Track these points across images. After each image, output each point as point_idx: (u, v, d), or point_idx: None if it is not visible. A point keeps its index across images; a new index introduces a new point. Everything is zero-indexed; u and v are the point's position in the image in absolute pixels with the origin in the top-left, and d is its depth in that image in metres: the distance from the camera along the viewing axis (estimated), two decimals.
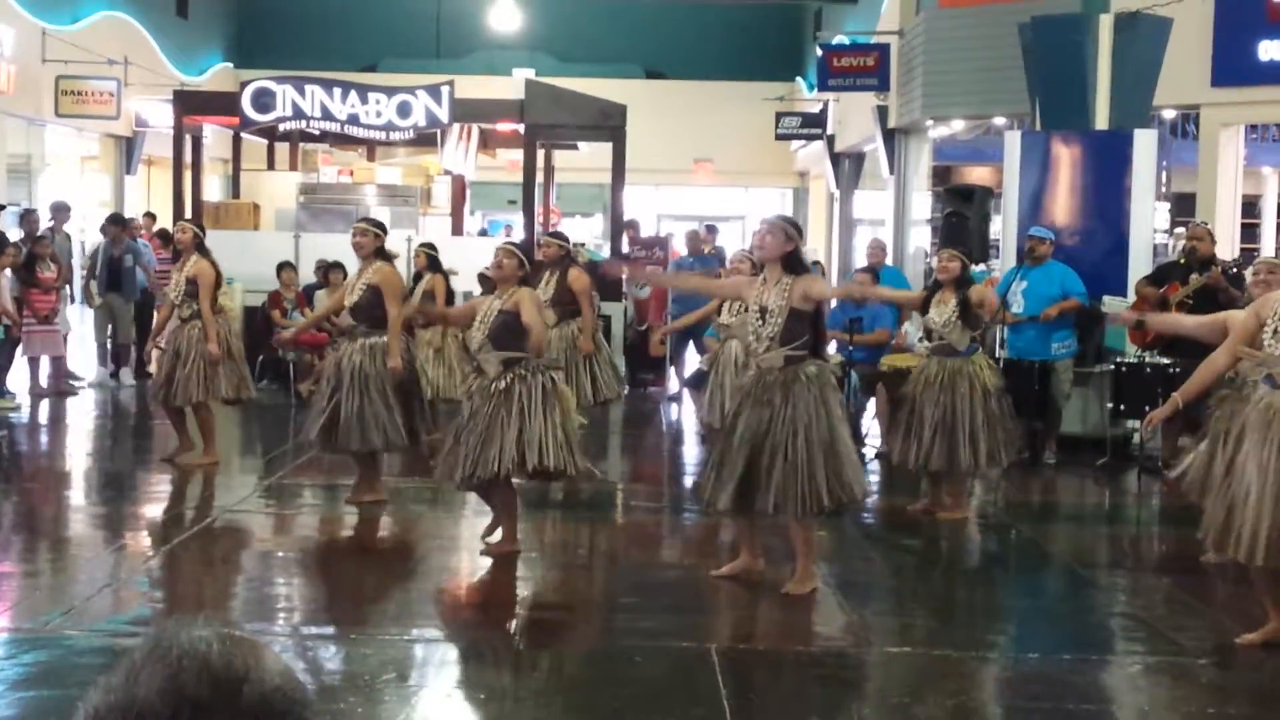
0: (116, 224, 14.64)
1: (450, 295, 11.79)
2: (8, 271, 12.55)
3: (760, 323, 6.57)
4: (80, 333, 15.26)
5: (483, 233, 19.78)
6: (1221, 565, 6.69)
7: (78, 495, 9.64)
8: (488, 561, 7.37)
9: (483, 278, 11.35)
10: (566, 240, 10.94)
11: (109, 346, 14.44)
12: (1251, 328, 5.89)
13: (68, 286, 14.17)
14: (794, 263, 6.62)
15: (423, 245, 11.90)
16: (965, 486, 8.82)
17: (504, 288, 7.39)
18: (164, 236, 14.97)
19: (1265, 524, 5.57)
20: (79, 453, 11.44)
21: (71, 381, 13.76)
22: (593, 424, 12.30)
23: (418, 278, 11.49)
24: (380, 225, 8.72)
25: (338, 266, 14.07)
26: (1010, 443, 8.53)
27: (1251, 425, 5.73)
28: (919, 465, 8.45)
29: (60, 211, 14.90)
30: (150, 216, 16.79)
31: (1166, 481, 8.62)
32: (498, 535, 7.46)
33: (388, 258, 8.54)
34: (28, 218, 14.17)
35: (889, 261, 14.40)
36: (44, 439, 12.07)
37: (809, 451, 6.41)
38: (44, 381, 13.36)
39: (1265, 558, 5.62)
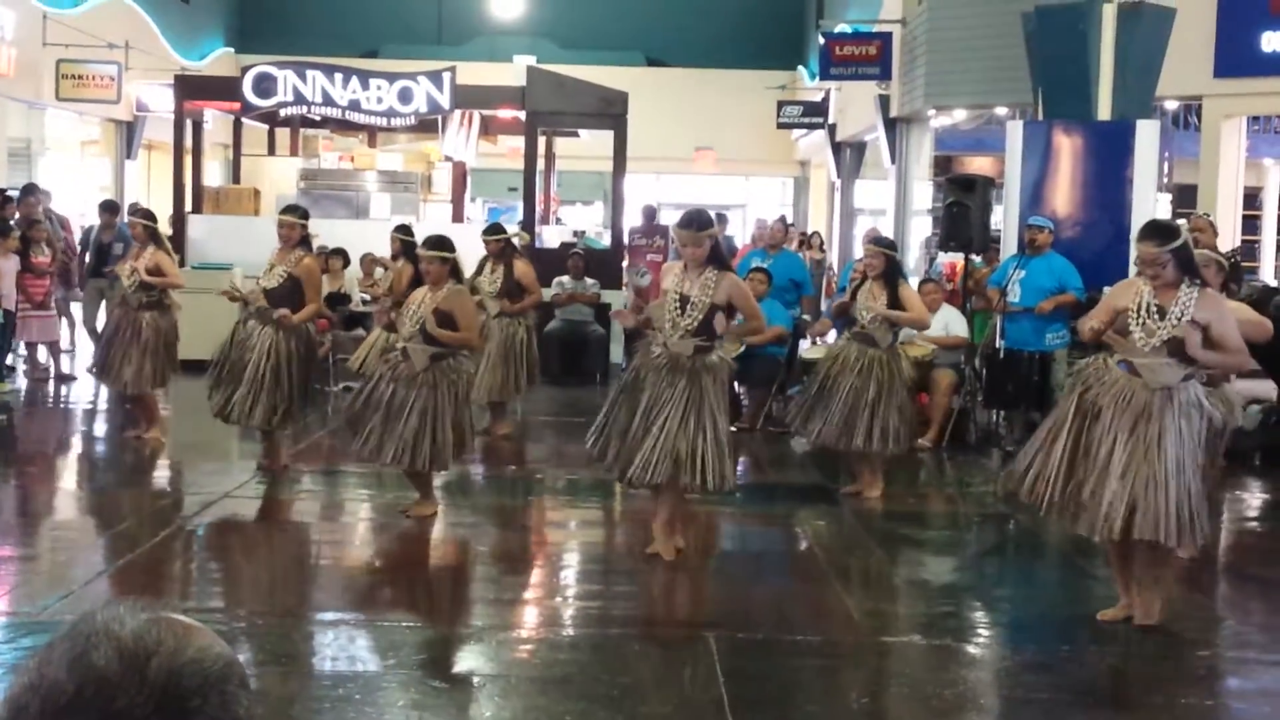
0: (109, 210, 14.55)
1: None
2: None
3: (679, 312, 6.80)
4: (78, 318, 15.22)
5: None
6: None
7: (76, 480, 9.63)
8: (483, 548, 7.37)
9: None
10: (504, 233, 11.08)
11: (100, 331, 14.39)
12: (1120, 307, 5.93)
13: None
14: (716, 255, 6.88)
15: (398, 229, 11.54)
16: (879, 465, 8.91)
17: (437, 286, 7.60)
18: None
19: (1128, 498, 5.67)
20: (78, 437, 11.44)
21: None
22: (589, 412, 12.29)
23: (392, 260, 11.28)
24: (305, 214, 9.06)
25: (338, 253, 14.06)
26: (913, 426, 8.97)
27: (1108, 404, 5.79)
28: (827, 443, 8.65)
29: (31, 194, 14.59)
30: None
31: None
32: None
33: (310, 247, 9.00)
34: (25, 200, 13.91)
35: None
36: (43, 423, 12.06)
37: (692, 432, 6.68)
38: (43, 363, 13.36)
39: (1124, 531, 5.71)
